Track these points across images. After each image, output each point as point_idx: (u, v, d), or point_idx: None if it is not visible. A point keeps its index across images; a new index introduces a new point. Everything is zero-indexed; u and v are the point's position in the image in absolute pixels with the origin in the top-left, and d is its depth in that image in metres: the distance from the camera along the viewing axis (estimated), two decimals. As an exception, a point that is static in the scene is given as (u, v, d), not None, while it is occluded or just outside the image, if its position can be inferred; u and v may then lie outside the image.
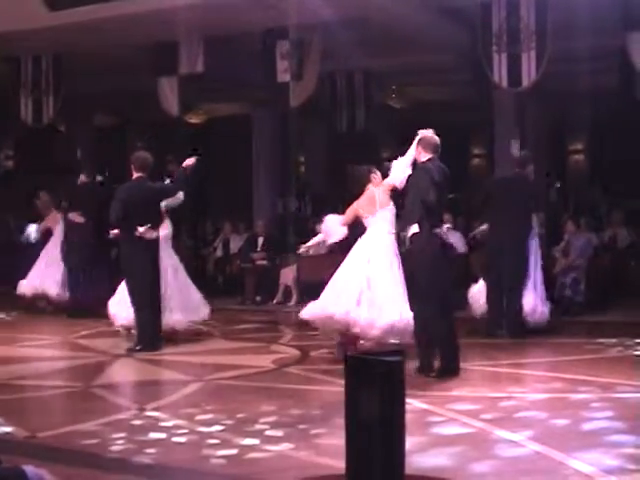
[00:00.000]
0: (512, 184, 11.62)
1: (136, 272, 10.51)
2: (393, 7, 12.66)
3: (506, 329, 11.07)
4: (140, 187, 10.64)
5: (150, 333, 10.44)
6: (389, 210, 9.54)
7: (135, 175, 10.69)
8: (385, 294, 9.19)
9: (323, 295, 9.50)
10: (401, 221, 9.26)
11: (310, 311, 9.51)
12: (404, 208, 9.02)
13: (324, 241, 10.40)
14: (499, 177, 13.44)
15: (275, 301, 15.54)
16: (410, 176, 9.01)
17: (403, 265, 9.29)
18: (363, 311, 9.12)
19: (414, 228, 8.56)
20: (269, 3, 12.53)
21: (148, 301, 10.50)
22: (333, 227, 9.90)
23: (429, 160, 8.75)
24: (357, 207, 9.72)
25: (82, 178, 14.76)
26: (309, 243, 10.51)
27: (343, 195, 11.73)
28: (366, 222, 9.63)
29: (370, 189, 9.67)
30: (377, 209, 9.54)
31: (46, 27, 13.55)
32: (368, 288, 9.26)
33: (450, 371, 8.55)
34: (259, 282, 15.90)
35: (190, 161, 10.77)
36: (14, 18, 13.30)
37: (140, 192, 10.57)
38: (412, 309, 8.90)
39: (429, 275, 8.53)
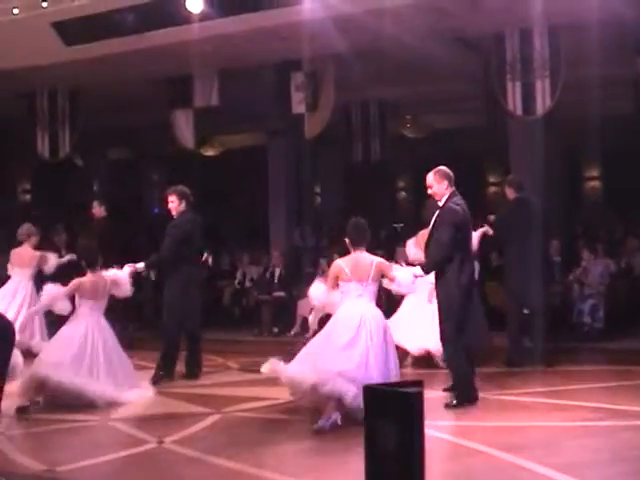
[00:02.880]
0: (520, 207, 11.46)
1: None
2: (406, 38, 12.71)
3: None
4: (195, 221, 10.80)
5: (170, 365, 10.49)
6: None
7: (185, 208, 10.70)
8: None
9: None
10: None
11: None
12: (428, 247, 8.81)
13: None
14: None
15: (292, 333, 15.50)
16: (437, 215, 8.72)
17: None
18: None
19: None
20: (283, 35, 12.62)
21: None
22: None
23: (451, 197, 8.61)
24: None
25: (98, 211, 13.93)
26: None
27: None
28: None
29: None
30: None
31: (62, 62, 13.68)
32: None
33: (469, 400, 8.50)
34: (276, 314, 15.89)
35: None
36: (31, 54, 13.44)
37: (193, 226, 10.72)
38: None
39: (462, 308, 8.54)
